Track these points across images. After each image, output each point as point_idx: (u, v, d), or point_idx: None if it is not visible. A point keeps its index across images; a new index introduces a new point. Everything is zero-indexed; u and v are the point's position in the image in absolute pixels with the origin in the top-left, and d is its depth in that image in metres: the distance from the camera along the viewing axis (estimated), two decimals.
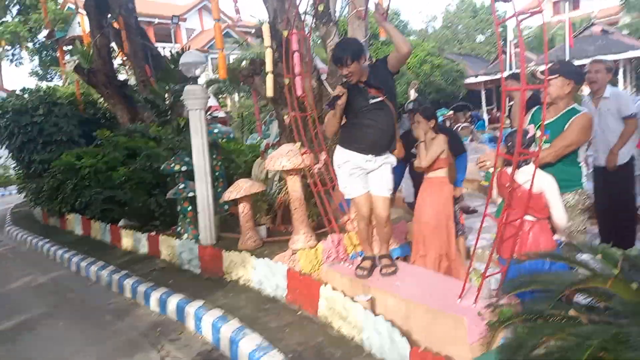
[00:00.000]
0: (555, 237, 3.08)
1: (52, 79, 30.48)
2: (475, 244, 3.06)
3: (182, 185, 5.81)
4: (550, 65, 3.16)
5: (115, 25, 10.28)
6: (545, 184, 2.91)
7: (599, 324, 1.97)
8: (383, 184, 3.66)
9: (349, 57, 3.32)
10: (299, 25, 5.22)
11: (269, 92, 4.97)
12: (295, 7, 5.18)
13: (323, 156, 4.91)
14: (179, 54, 6.70)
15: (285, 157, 4.58)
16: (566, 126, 3.13)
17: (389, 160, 3.67)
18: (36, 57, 29.80)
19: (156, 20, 30.13)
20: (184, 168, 6.19)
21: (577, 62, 16.64)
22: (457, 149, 4.46)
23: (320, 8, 4.73)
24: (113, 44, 10.78)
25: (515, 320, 2.32)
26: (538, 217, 2.99)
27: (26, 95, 9.40)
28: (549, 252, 2.63)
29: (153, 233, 6.16)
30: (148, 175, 7.32)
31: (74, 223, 8.03)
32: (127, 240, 6.39)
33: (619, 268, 2.22)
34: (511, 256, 2.87)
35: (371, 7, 4.95)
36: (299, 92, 4.79)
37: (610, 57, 18.82)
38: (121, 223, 7.06)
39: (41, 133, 9.06)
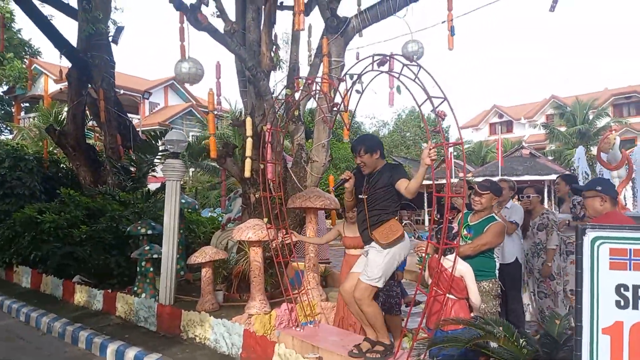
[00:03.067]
0: (472, 314, 3.81)
1: (1, 132, 30.18)
2: (407, 317, 3.75)
3: (147, 247, 6.23)
4: (483, 181, 4.11)
5: (93, 93, 10.97)
6: (465, 270, 3.69)
7: None
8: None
9: (362, 149, 3.80)
10: (274, 121, 6.07)
11: (247, 174, 5.69)
12: (271, 106, 6.08)
13: (282, 233, 5.57)
14: (162, 133, 7.44)
15: (252, 230, 5.22)
16: (485, 229, 3.99)
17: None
18: None
19: (121, 91, 30.96)
20: (149, 232, 6.65)
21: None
22: None
23: (296, 113, 5.61)
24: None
25: None
26: (458, 297, 3.72)
27: None
28: (466, 319, 3.34)
29: (109, 291, 6.41)
30: (109, 235, 7.65)
31: (22, 275, 8.05)
32: (81, 295, 6.58)
33: (514, 336, 2.97)
34: (436, 326, 3.55)
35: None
36: (270, 176, 5.52)
37: (537, 178, 21.08)
38: (75, 279, 7.23)
39: (2, 185, 9.24)
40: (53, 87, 29.94)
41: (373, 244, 3.77)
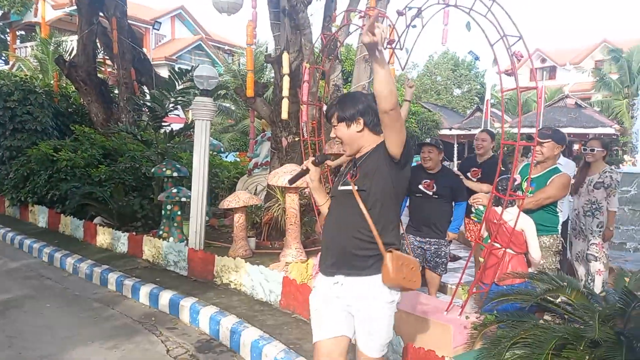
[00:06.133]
0: (530, 270, 3.94)
1: None
2: (463, 272, 3.88)
3: (175, 189, 6.40)
4: (542, 129, 4.11)
5: (105, 22, 10.93)
6: (526, 224, 3.78)
7: (562, 325, 2.79)
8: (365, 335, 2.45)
9: (336, 115, 2.48)
10: (311, 58, 6.04)
11: (284, 115, 5.76)
12: (310, 42, 6.05)
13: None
14: (188, 70, 7.50)
15: (289, 176, 5.32)
16: (548, 182, 4.04)
17: (377, 293, 2.40)
18: None
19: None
20: (174, 174, 6.81)
21: None
22: (458, 195, 4.86)
23: (342, 49, 5.57)
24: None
25: (496, 325, 3.13)
26: (517, 252, 3.84)
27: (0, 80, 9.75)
28: (528, 273, 3.47)
29: (134, 233, 6.65)
30: (129, 177, 7.86)
31: (38, 215, 8.36)
32: (104, 237, 6.84)
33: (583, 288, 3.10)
34: (493, 280, 3.69)
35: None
36: (305, 119, 5.58)
37: (581, 131, 20.83)
38: (97, 220, 7.49)
39: (13, 119, 9.39)
40: (51, 14, 29.79)
41: (372, 281, 2.38)
